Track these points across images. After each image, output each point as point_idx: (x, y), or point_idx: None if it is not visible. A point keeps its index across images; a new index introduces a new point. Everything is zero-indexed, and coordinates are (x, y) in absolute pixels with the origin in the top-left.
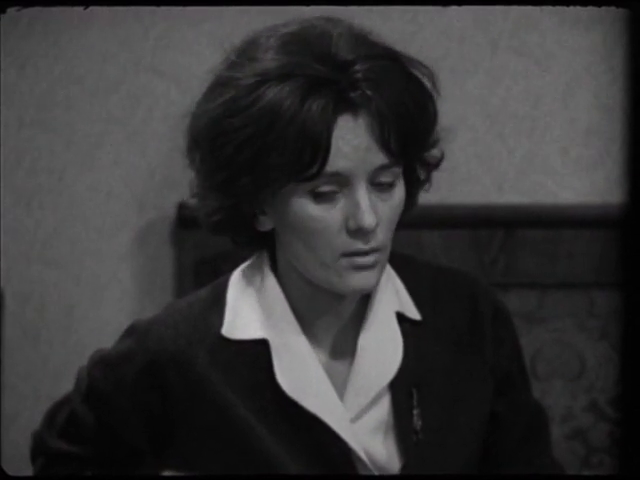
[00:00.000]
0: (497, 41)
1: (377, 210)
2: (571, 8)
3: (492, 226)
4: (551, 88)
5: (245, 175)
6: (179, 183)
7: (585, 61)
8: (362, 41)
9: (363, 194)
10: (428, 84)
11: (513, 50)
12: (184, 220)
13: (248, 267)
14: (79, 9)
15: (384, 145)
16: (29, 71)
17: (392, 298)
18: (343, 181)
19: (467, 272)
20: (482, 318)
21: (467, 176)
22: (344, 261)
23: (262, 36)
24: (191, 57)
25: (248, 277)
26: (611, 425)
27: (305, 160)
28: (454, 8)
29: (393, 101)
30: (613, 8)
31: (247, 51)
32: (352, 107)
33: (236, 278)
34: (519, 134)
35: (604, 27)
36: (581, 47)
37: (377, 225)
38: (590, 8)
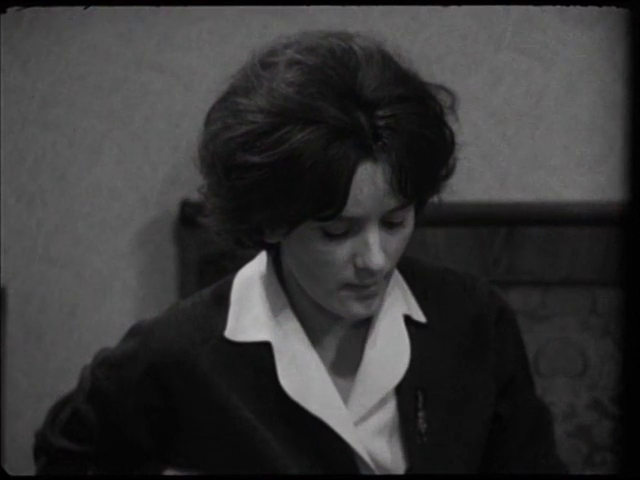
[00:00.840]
0: (499, 39)
1: (386, 246)
2: (573, 7)
3: (495, 224)
4: (554, 86)
5: (257, 211)
6: (182, 181)
7: (588, 59)
8: (387, 76)
9: (374, 235)
10: (447, 109)
11: (516, 48)
12: (187, 218)
13: (252, 269)
14: (81, 7)
15: (400, 191)
16: (31, 69)
17: (399, 301)
18: (355, 222)
19: (472, 274)
20: (486, 320)
21: (470, 174)
22: (347, 291)
23: (282, 60)
24: (194, 55)
25: (252, 280)
26: (614, 423)
27: (321, 206)
28: (456, 6)
29: (413, 149)
30: (614, 8)
31: (265, 76)
32: (372, 157)
33: (239, 280)
34: (522, 132)
35: (607, 25)
36: (584, 45)
37: (385, 264)
38: (591, 7)
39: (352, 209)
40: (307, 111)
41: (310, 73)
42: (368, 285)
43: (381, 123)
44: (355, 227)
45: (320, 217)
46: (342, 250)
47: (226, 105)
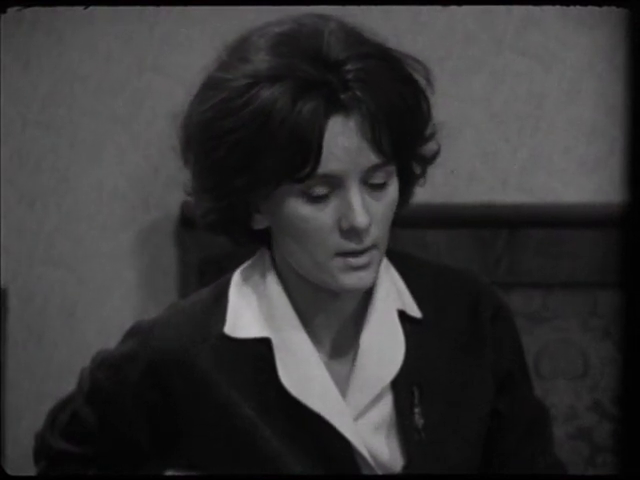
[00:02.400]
0: (501, 41)
1: (370, 209)
2: (573, 7)
3: (496, 225)
4: (554, 88)
5: (237, 177)
6: (183, 183)
7: (588, 60)
8: (353, 39)
9: (355, 194)
10: (422, 81)
11: (517, 50)
12: (188, 219)
13: (250, 266)
14: (81, 7)
15: (376, 146)
16: (33, 70)
17: (394, 296)
18: (335, 182)
19: (468, 270)
20: (482, 317)
21: (471, 175)
22: (338, 261)
23: (253, 35)
24: (195, 56)
25: (250, 276)
26: (615, 424)
27: (297, 162)
28: (457, 8)
29: (384, 101)
30: (613, 8)
31: (238, 51)
32: (343, 108)
33: (238, 277)
34: (523, 133)
35: (607, 26)
36: (584, 46)
37: (370, 224)
38: (592, 8)
39: (329, 164)
40: (276, 68)
41: (279, 37)
42: (357, 251)
43: (350, 76)
44: (336, 188)
45: (298, 177)
46: (326, 214)
47: (201, 87)
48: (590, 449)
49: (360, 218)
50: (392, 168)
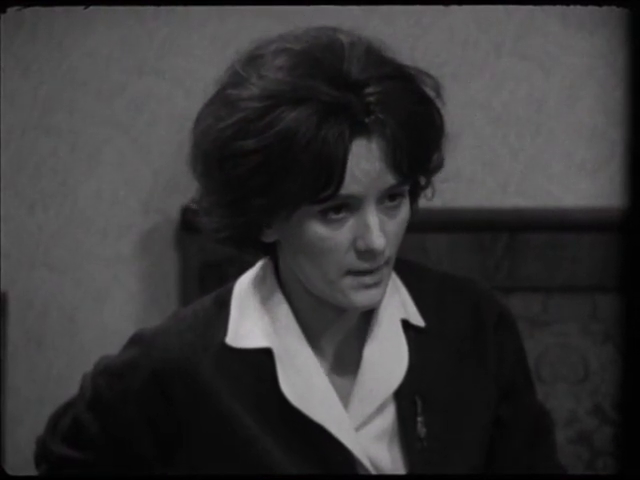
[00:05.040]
0: (501, 45)
1: (385, 229)
2: (574, 11)
3: (496, 230)
4: (555, 92)
5: (257, 197)
6: (183, 187)
7: (588, 64)
8: (373, 58)
9: (373, 215)
10: (433, 94)
11: (517, 54)
12: (188, 224)
13: (252, 275)
14: (83, 12)
15: (396, 168)
16: (32, 74)
17: (397, 306)
18: (354, 203)
19: (472, 279)
20: (485, 325)
21: (471, 180)
22: (350, 279)
23: (269, 51)
24: (195, 60)
25: (252, 286)
26: (615, 428)
27: (319, 185)
28: (457, 12)
29: (405, 124)
30: (614, 8)
31: (254, 67)
32: (366, 132)
33: (240, 286)
34: (523, 138)
35: (607, 30)
36: (584, 51)
37: (386, 246)
38: (592, 10)
39: (350, 186)
40: (298, 90)
41: (298, 56)
42: (370, 270)
43: (372, 99)
44: (354, 209)
45: (318, 199)
46: (343, 234)
47: (216, 101)
48: (590, 453)
49: (378, 241)
50: (406, 188)
